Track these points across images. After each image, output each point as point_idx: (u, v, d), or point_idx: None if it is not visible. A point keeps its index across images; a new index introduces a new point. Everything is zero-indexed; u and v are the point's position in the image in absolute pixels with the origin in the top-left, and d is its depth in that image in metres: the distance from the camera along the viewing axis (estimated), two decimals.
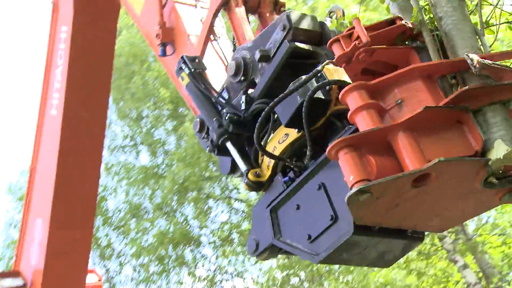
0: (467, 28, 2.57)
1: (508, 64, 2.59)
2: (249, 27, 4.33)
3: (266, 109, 3.04)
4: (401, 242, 2.89)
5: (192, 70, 3.82)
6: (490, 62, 2.30)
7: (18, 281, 5.67)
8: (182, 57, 3.92)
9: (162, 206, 17.71)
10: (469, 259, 14.43)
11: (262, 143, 3.26)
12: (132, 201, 18.47)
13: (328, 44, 2.67)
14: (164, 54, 4.76)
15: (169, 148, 18.74)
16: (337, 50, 2.59)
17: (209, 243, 18.61)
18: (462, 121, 2.36)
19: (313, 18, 3.28)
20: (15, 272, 5.78)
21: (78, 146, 6.11)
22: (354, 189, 2.18)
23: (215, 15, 4.40)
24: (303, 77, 2.90)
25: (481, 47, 2.58)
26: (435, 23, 2.66)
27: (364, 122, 2.37)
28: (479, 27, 2.70)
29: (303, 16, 3.24)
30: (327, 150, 2.38)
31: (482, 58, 2.33)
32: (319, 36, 3.24)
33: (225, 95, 3.71)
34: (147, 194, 18.29)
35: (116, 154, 19.44)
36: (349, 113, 2.43)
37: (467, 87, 2.32)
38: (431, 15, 2.72)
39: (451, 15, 2.60)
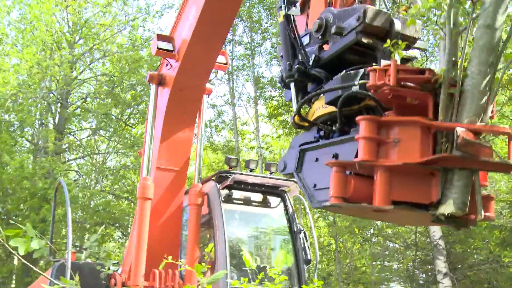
0: (481, 95, 2.98)
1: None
2: None
3: (318, 91, 3.75)
4: None
5: (287, 12, 4.19)
6: (472, 140, 2.82)
7: (170, 46, 6.51)
8: (283, 0, 4.23)
9: None
10: None
11: (312, 100, 3.94)
12: None
13: (368, 69, 3.19)
14: None
15: None
16: (371, 78, 3.11)
17: None
18: (434, 174, 2.97)
19: (385, 15, 3.64)
20: (170, 37, 6.63)
21: None
22: (328, 203, 2.96)
23: None
24: (353, 72, 3.51)
25: (488, 111, 3.04)
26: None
27: (361, 150, 3.00)
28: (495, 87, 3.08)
29: (377, 13, 3.61)
30: (328, 162, 3.11)
31: (473, 129, 2.85)
32: (385, 32, 3.63)
33: (306, 39, 4.17)
34: None
35: None
36: (357, 135, 3.05)
37: (447, 154, 2.89)
38: (465, 64, 3.09)
39: (474, 77, 2.99)
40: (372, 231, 20.55)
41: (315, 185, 3.67)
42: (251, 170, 8.08)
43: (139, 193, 6.44)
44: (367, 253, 21.64)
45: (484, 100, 3.01)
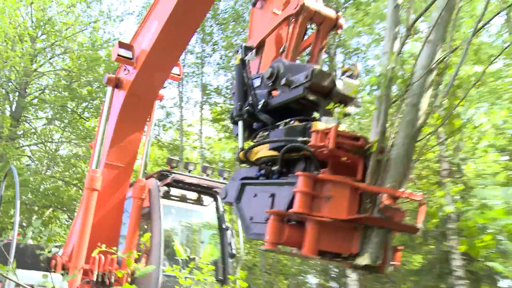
0: (403, 164, 3.16)
1: None
2: (301, 43, 4.46)
3: (265, 141, 3.85)
4: None
5: (243, 57, 4.28)
6: (391, 206, 3.01)
7: (129, 54, 6.44)
8: (241, 45, 4.33)
9: None
10: None
11: (257, 138, 4.04)
12: None
13: (311, 129, 3.34)
14: (254, 5, 4.89)
15: None
16: (313, 138, 3.25)
17: None
18: (356, 229, 3.16)
19: (330, 76, 3.78)
20: (130, 45, 6.52)
21: None
22: (263, 248, 3.17)
23: (283, 21, 4.50)
24: (297, 126, 3.67)
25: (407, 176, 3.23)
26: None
27: (297, 203, 3.15)
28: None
29: (323, 73, 3.74)
30: (268, 210, 3.33)
31: (393, 195, 3.04)
32: (329, 90, 3.76)
33: (258, 81, 4.21)
34: None
35: None
36: (294, 188, 3.19)
37: (369, 214, 3.07)
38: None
39: (399, 148, 3.19)
40: None
41: (251, 218, 3.76)
42: (189, 171, 8.27)
43: (87, 184, 6.43)
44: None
45: (405, 168, 3.19)
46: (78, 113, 20.72)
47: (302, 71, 3.76)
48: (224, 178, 8.35)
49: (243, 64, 4.27)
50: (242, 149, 4.06)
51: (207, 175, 8.41)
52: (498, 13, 4.35)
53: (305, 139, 3.46)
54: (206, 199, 8.23)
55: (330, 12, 4.39)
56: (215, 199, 8.17)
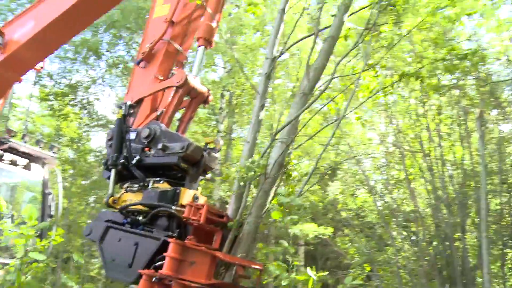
0: (252, 238, 4.21)
1: None
2: (176, 111, 5.13)
3: (139, 203, 4.38)
4: None
5: (125, 114, 4.74)
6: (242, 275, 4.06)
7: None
8: (125, 103, 4.79)
9: None
10: None
11: (125, 186, 4.57)
12: None
13: (186, 204, 4.03)
14: (138, 63, 5.32)
15: None
16: (187, 210, 3.98)
17: None
18: None
19: (200, 150, 4.54)
20: (1, 31, 6.48)
21: None
22: None
23: (165, 88, 5.09)
24: (169, 192, 4.32)
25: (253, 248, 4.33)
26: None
27: (167, 265, 3.83)
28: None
29: (196, 147, 4.48)
30: (141, 271, 3.95)
31: (239, 263, 4.03)
32: (198, 161, 4.53)
33: (134, 134, 4.72)
34: None
35: None
36: (166, 253, 3.85)
37: (223, 281, 4.02)
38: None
39: (250, 226, 4.27)
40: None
41: (113, 260, 4.27)
42: (25, 142, 9.21)
43: None
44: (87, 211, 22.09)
45: (252, 241, 4.19)
46: None
47: (177, 141, 4.49)
48: (54, 152, 9.61)
49: (124, 119, 4.76)
50: (112, 195, 4.57)
51: (40, 147, 9.40)
52: None
53: (178, 208, 4.16)
54: (34, 166, 9.34)
55: (203, 89, 5.24)
56: (42, 167, 9.46)
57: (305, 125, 5.67)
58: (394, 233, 13.86)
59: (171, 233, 4.21)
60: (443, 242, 12.48)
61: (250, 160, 4.47)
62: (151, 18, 5.54)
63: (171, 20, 5.27)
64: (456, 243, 12.22)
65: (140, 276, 4.03)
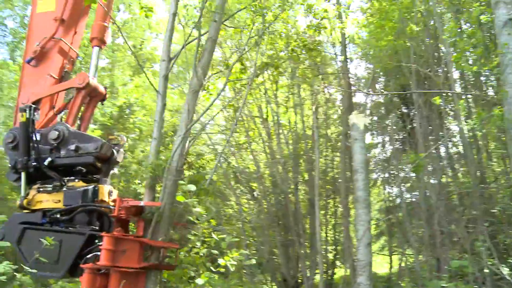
0: (169, 224, 4.97)
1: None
2: (78, 113, 5.29)
3: (67, 208, 4.68)
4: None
5: (30, 117, 4.85)
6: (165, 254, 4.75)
7: None
8: (30, 106, 4.84)
9: None
10: None
11: (36, 186, 4.78)
12: None
13: (113, 199, 4.66)
14: (29, 62, 5.27)
15: None
16: (117, 207, 4.51)
17: None
18: (143, 273, 4.72)
19: (110, 148, 4.95)
20: None
21: None
22: None
23: (66, 89, 5.21)
24: (90, 190, 4.72)
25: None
26: None
27: (103, 257, 4.40)
28: None
29: (107, 146, 4.90)
30: (84, 265, 4.40)
31: (159, 245, 4.73)
32: (109, 158, 4.96)
33: (38, 136, 4.84)
34: None
35: None
36: (100, 245, 4.39)
37: (152, 263, 4.71)
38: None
39: (165, 212, 5.03)
40: None
41: (36, 259, 4.45)
42: None
43: None
44: None
45: (169, 225, 4.89)
46: None
47: (88, 141, 4.87)
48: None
49: (28, 122, 4.90)
50: (25, 197, 4.79)
51: None
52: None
53: (104, 206, 4.68)
54: None
55: (102, 89, 5.55)
56: None
57: (199, 118, 6.26)
58: (238, 191, 15.33)
59: (94, 227, 4.66)
60: (279, 197, 14.35)
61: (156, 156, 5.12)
62: (34, 12, 5.50)
63: (61, 19, 5.35)
64: (290, 197, 14.17)
65: (69, 270, 4.43)
